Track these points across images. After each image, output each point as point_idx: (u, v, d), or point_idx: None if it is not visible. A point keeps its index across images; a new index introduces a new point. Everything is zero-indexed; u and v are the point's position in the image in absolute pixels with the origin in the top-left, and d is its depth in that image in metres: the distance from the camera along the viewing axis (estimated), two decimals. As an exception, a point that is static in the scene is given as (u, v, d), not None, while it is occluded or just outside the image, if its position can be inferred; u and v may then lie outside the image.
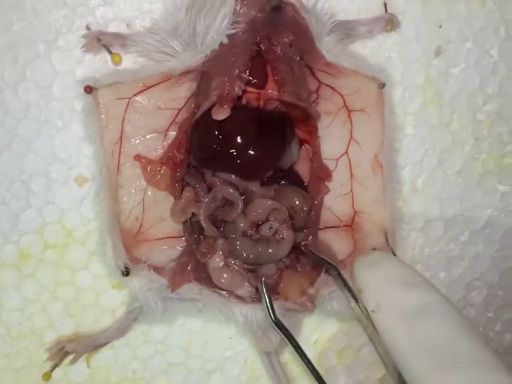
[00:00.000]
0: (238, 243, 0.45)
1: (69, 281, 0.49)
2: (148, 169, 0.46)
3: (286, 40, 0.43)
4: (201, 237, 0.47)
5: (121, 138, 0.45)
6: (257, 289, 0.47)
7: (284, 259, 0.47)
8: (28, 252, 0.48)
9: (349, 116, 0.47)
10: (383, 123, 0.46)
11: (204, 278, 0.47)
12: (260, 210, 0.45)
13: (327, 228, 0.49)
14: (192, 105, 0.45)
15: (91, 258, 0.49)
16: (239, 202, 0.45)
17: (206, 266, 0.47)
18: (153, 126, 0.45)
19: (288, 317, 0.47)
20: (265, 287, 0.45)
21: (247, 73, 0.43)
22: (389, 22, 0.47)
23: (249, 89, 0.45)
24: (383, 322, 0.39)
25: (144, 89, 0.44)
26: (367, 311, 0.41)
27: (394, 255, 0.47)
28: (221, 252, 0.46)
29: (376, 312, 0.40)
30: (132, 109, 0.44)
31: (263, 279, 0.46)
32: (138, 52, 0.44)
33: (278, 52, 0.43)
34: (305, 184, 0.49)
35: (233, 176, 0.46)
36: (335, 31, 0.44)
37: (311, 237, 0.48)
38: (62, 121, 0.47)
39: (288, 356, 0.52)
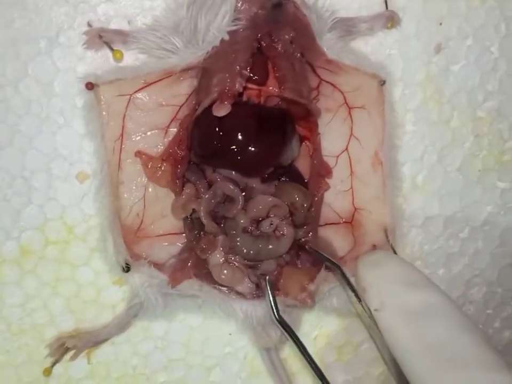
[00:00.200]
0: (238, 239, 0.45)
1: (69, 277, 0.49)
2: (149, 166, 0.46)
3: (287, 37, 0.43)
4: (202, 233, 0.47)
5: (122, 135, 0.45)
6: (257, 285, 0.47)
7: (284, 255, 0.47)
8: (29, 248, 0.49)
9: (349, 113, 0.47)
10: (383, 120, 0.46)
11: (204, 274, 0.47)
12: (260, 207, 0.45)
13: (327, 224, 0.50)
14: (193, 102, 0.45)
15: (92, 255, 0.49)
16: (240, 198, 0.45)
17: (206, 263, 0.47)
18: (154, 123, 0.46)
19: (288, 313, 0.48)
20: (269, 285, 0.45)
21: (248, 70, 0.43)
22: (390, 19, 0.47)
23: (250, 85, 0.45)
24: (386, 321, 0.39)
25: (145, 86, 0.44)
26: (370, 310, 0.41)
27: (394, 251, 0.48)
28: (221, 248, 0.46)
29: (380, 311, 0.40)
30: (133, 106, 0.44)
31: (267, 277, 0.46)
32: (139, 48, 0.44)
33: (279, 48, 0.43)
34: (306, 180, 0.49)
35: (233, 172, 0.46)
36: (336, 28, 0.45)
37: (311, 233, 0.48)
38: (64, 117, 0.47)
39: (288, 352, 0.52)
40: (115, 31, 0.45)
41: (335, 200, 0.49)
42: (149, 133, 0.46)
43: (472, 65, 0.50)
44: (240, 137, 0.44)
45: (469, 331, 0.37)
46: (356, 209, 0.49)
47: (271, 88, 0.46)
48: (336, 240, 0.49)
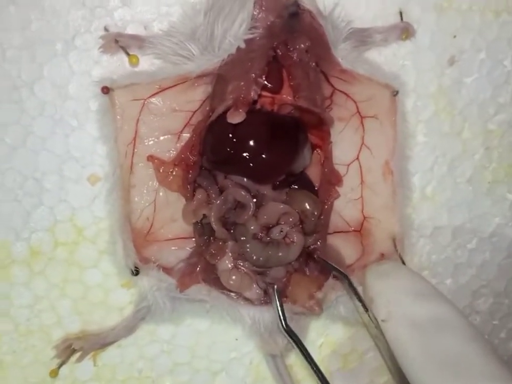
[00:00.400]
0: (248, 245, 0.46)
1: (78, 279, 0.50)
2: (161, 170, 0.46)
3: (302, 46, 0.43)
4: (212, 238, 0.47)
5: (135, 139, 0.45)
6: (265, 291, 0.47)
7: (293, 262, 0.47)
8: (38, 249, 0.49)
9: (362, 122, 0.47)
10: (395, 130, 0.46)
11: (213, 279, 0.47)
12: (271, 214, 0.46)
13: (336, 232, 0.50)
14: (207, 108, 0.45)
15: (101, 257, 0.49)
16: (251, 204, 0.45)
17: (215, 268, 0.47)
18: (167, 128, 0.46)
19: (295, 320, 0.48)
20: (277, 294, 0.46)
21: (263, 78, 0.43)
22: (405, 31, 0.48)
23: (264, 93, 0.45)
24: (393, 332, 0.40)
25: (160, 91, 0.44)
26: (376, 320, 0.41)
27: (403, 261, 0.48)
28: (230, 254, 0.47)
29: (387, 321, 0.40)
30: (146, 110, 0.45)
31: (275, 286, 0.46)
32: (155, 54, 0.45)
33: (295, 57, 0.43)
34: (316, 188, 0.49)
35: (245, 179, 0.46)
36: (350, 38, 0.45)
37: (320, 241, 0.48)
38: (77, 120, 0.47)
39: (293, 359, 0.52)
40: (131, 36, 0.46)
41: (344, 208, 0.49)
42: (161, 138, 0.46)
43: (484, 78, 0.50)
44: (252, 144, 0.44)
45: (475, 342, 0.37)
46: (365, 218, 0.49)
47: (285, 96, 0.46)
48: (345, 249, 0.49)
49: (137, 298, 0.49)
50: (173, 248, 0.48)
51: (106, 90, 0.43)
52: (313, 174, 0.49)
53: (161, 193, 0.47)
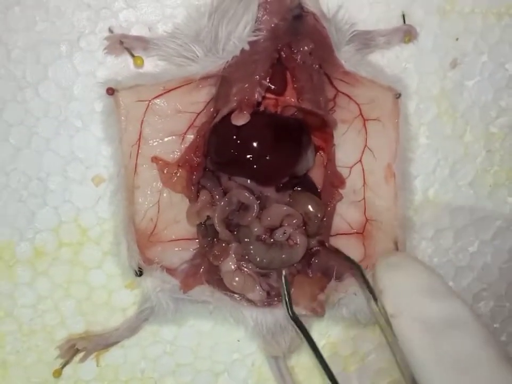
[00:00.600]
0: (251, 247, 0.46)
1: (82, 280, 0.50)
2: (165, 171, 0.46)
3: (306, 48, 0.43)
4: (215, 240, 0.47)
5: (139, 140, 0.45)
6: (268, 293, 0.47)
7: (295, 264, 0.47)
8: (42, 249, 0.49)
9: (364, 125, 0.47)
10: (397, 132, 0.46)
11: (216, 280, 0.47)
12: (274, 216, 0.46)
13: (338, 234, 0.50)
14: (211, 110, 0.45)
15: (105, 258, 0.50)
16: (255, 206, 0.45)
17: (219, 269, 0.47)
18: (172, 129, 0.46)
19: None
20: (285, 281, 0.45)
21: (267, 80, 0.43)
22: (407, 33, 0.48)
23: (268, 95, 0.46)
24: (401, 328, 0.38)
25: (164, 93, 0.44)
26: (386, 313, 0.40)
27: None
28: (233, 255, 0.47)
29: (396, 317, 0.39)
30: (151, 112, 0.45)
31: (283, 272, 0.46)
32: (159, 55, 0.45)
33: (298, 60, 0.44)
34: (319, 190, 0.49)
35: (248, 181, 0.46)
36: (354, 41, 0.45)
37: (322, 243, 0.48)
38: (82, 121, 0.47)
39: (295, 361, 0.53)
40: (136, 37, 0.46)
41: (347, 210, 0.49)
42: (166, 139, 0.46)
43: (486, 81, 0.50)
44: (256, 146, 0.44)
45: (489, 346, 0.36)
46: (367, 220, 0.49)
47: (288, 98, 0.46)
48: (347, 250, 0.49)
49: (140, 299, 0.49)
50: (177, 249, 0.48)
51: (111, 91, 0.43)
52: (316, 176, 0.49)
53: (165, 194, 0.47)
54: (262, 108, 0.46)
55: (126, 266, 0.46)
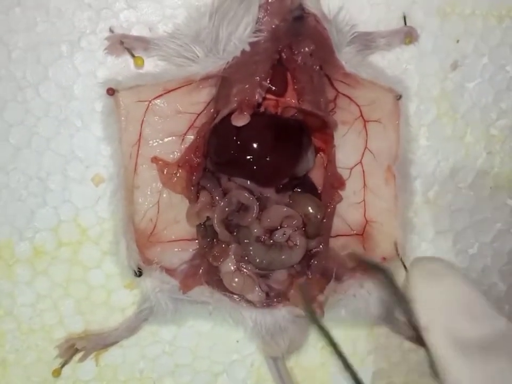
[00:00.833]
0: (251, 248, 0.46)
1: (81, 279, 0.50)
2: (165, 172, 0.46)
3: (307, 49, 0.43)
4: (215, 240, 0.47)
5: (139, 140, 0.45)
6: (267, 294, 0.47)
7: (295, 265, 0.47)
8: (42, 248, 0.49)
9: (365, 126, 0.47)
10: (398, 134, 0.46)
11: (215, 281, 0.47)
12: (274, 217, 0.46)
13: (338, 235, 0.50)
14: (211, 110, 0.46)
15: (104, 257, 0.50)
16: (255, 207, 0.45)
17: (218, 270, 0.47)
18: (172, 130, 0.46)
19: (296, 323, 0.48)
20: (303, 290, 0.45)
21: (268, 81, 0.43)
22: (408, 35, 0.48)
23: (268, 96, 0.46)
24: (435, 344, 0.36)
25: (165, 93, 0.45)
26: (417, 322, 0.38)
27: (404, 265, 0.48)
28: (233, 256, 0.47)
29: (429, 331, 0.36)
30: (151, 112, 0.45)
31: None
32: (160, 56, 0.45)
33: (299, 61, 0.44)
34: (319, 192, 0.49)
35: (248, 181, 0.46)
36: (354, 42, 0.45)
37: (322, 244, 0.48)
38: (82, 121, 0.48)
39: (294, 361, 0.53)
40: (136, 37, 0.46)
41: (347, 211, 0.49)
42: (166, 139, 0.46)
43: (486, 83, 0.50)
44: (256, 147, 0.44)
45: None
46: (367, 221, 0.49)
47: (289, 99, 0.46)
48: (346, 252, 0.49)
49: (140, 299, 0.49)
50: (176, 249, 0.48)
51: (111, 92, 0.43)
52: (316, 177, 0.49)
53: (164, 195, 0.47)
54: (262, 109, 0.46)
55: (125, 266, 0.46)
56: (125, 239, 0.45)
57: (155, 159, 0.46)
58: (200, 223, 0.47)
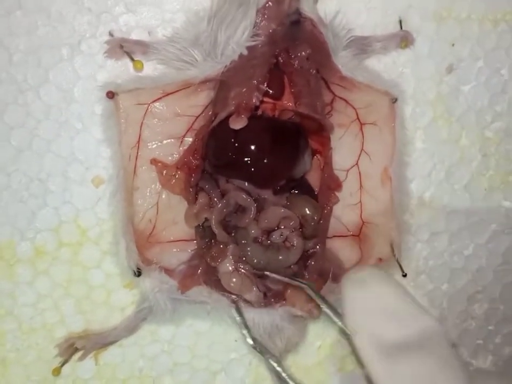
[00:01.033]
0: (249, 249, 0.46)
1: (81, 279, 0.50)
2: (163, 173, 0.47)
3: (303, 53, 0.44)
4: (213, 241, 0.48)
5: (138, 142, 0.46)
6: (265, 294, 0.48)
7: (292, 266, 0.48)
8: (43, 249, 0.50)
9: (361, 129, 0.48)
10: (393, 137, 0.47)
11: (214, 281, 0.48)
12: (271, 218, 0.46)
13: (334, 236, 0.50)
14: (209, 113, 0.46)
15: (104, 258, 0.50)
16: (252, 208, 0.46)
17: (216, 270, 0.48)
18: (170, 132, 0.47)
19: (293, 322, 0.49)
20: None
21: (265, 85, 0.44)
22: (404, 39, 0.48)
23: (265, 99, 0.46)
24: (360, 348, 0.39)
25: (163, 96, 0.45)
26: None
27: (400, 266, 0.48)
28: (231, 257, 0.47)
29: (354, 335, 0.39)
30: (150, 115, 0.46)
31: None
32: (159, 59, 0.45)
33: (296, 65, 0.44)
34: (316, 193, 0.50)
35: (246, 183, 0.47)
36: (351, 46, 0.46)
37: (319, 245, 0.49)
38: (82, 123, 0.48)
39: (291, 360, 0.53)
40: (136, 41, 0.46)
41: (343, 213, 0.50)
42: (164, 142, 0.47)
43: (482, 86, 0.51)
44: (254, 149, 0.45)
45: (446, 367, 0.36)
46: (363, 222, 0.50)
47: (286, 102, 0.47)
48: (343, 253, 0.50)
49: (139, 299, 0.49)
50: (175, 250, 0.49)
51: (111, 95, 0.43)
52: (313, 179, 0.50)
53: (163, 196, 0.48)
54: (260, 112, 0.47)
55: (124, 266, 0.46)
56: (124, 239, 0.46)
57: (154, 161, 0.47)
58: (199, 224, 0.48)
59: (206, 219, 0.47)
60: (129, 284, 0.50)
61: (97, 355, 0.51)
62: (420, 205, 0.52)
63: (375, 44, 0.48)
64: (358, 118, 0.48)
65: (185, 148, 0.47)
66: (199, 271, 0.48)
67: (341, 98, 0.47)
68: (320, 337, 0.53)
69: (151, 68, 0.47)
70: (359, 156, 0.49)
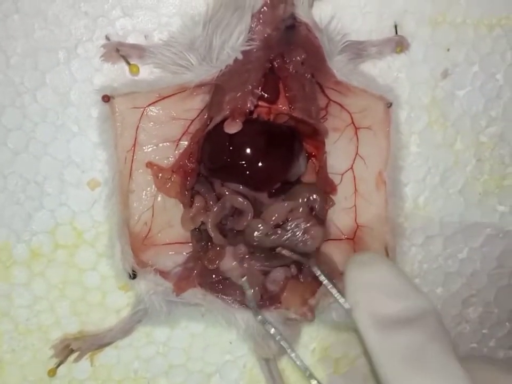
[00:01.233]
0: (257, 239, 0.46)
1: (77, 281, 0.51)
2: (159, 177, 0.47)
3: (298, 58, 0.44)
4: (209, 244, 0.48)
5: (134, 145, 0.46)
6: (261, 296, 0.48)
7: (292, 268, 0.48)
8: (39, 251, 0.50)
9: (356, 133, 0.48)
10: (388, 141, 0.47)
11: (209, 283, 0.48)
12: (277, 214, 0.46)
13: (329, 240, 0.50)
14: (205, 117, 0.46)
15: (100, 260, 0.50)
16: (250, 211, 0.46)
17: (218, 271, 0.48)
18: (166, 135, 0.47)
19: (288, 325, 0.49)
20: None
21: (260, 89, 0.44)
22: (399, 44, 0.49)
23: (260, 103, 0.46)
24: (357, 322, 0.40)
25: (159, 100, 0.45)
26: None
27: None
28: (231, 257, 0.48)
29: (352, 310, 0.41)
30: (146, 118, 0.46)
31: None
32: (155, 63, 0.46)
33: (291, 69, 0.44)
34: (311, 196, 0.50)
35: (241, 186, 0.47)
36: (346, 51, 0.46)
37: (314, 248, 0.49)
38: (78, 126, 0.48)
39: (286, 363, 0.53)
40: (132, 45, 0.47)
41: (338, 216, 0.50)
42: (160, 145, 0.47)
43: (477, 91, 0.51)
44: (249, 152, 0.45)
45: (437, 341, 0.38)
46: (358, 226, 0.50)
47: (281, 106, 0.47)
48: (338, 256, 0.50)
49: (134, 301, 0.50)
50: (170, 252, 0.49)
51: (107, 99, 0.44)
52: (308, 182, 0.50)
53: (159, 199, 0.48)
54: (255, 115, 0.47)
55: (120, 269, 0.47)
56: (119, 242, 0.46)
57: (150, 164, 0.47)
58: (195, 228, 0.48)
59: (202, 222, 0.47)
60: (124, 286, 0.51)
61: (93, 356, 0.52)
62: (414, 208, 0.52)
63: (370, 49, 0.48)
64: (353, 122, 0.48)
65: (181, 151, 0.47)
66: (194, 273, 0.48)
67: (335, 102, 0.47)
68: (314, 340, 0.54)
69: (147, 72, 0.47)
70: (354, 160, 0.49)
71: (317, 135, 0.47)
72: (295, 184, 0.49)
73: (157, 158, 0.47)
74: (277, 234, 0.46)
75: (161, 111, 0.46)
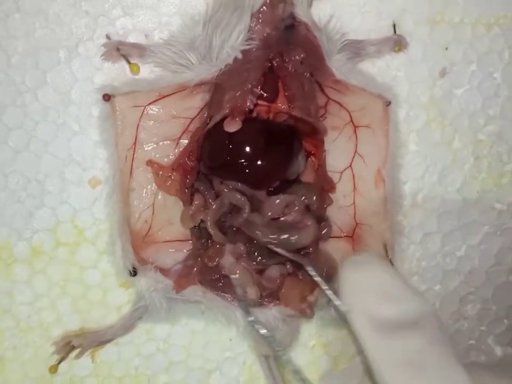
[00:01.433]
0: (258, 232, 0.46)
1: (78, 278, 0.51)
2: (159, 175, 0.47)
3: (297, 57, 0.44)
4: (209, 241, 0.48)
5: (135, 144, 0.46)
6: (260, 294, 0.48)
7: (288, 266, 0.48)
8: (40, 248, 0.50)
9: (355, 131, 0.48)
10: (387, 139, 0.47)
11: (209, 281, 0.48)
12: (274, 207, 0.46)
13: (328, 237, 0.51)
14: (205, 115, 0.47)
15: (100, 257, 0.51)
16: (246, 206, 0.46)
17: (219, 267, 0.48)
18: (166, 134, 0.47)
19: (287, 322, 0.49)
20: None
21: (259, 88, 0.44)
22: (398, 43, 0.49)
23: (260, 102, 0.47)
24: (354, 324, 0.40)
25: (160, 98, 0.46)
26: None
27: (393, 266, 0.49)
28: (230, 255, 0.48)
29: (349, 312, 0.40)
30: (146, 117, 0.46)
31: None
32: (155, 62, 0.46)
33: (290, 68, 0.45)
34: (310, 194, 0.50)
35: (240, 184, 0.47)
36: (345, 50, 0.46)
37: (312, 246, 0.49)
38: (79, 125, 0.49)
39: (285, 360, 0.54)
40: (132, 44, 0.47)
41: (337, 214, 0.50)
42: (160, 143, 0.47)
43: (475, 89, 0.51)
44: (248, 151, 0.45)
45: (436, 345, 0.38)
46: (357, 224, 0.50)
47: (280, 105, 0.48)
48: (337, 254, 0.50)
49: (134, 298, 0.50)
50: (170, 250, 0.49)
51: (107, 97, 0.44)
52: (307, 180, 0.50)
53: (159, 197, 0.48)
54: (254, 114, 0.47)
55: (120, 266, 0.47)
56: (120, 239, 0.46)
57: (150, 162, 0.47)
58: (195, 225, 0.48)
59: (202, 220, 0.47)
60: (125, 283, 0.51)
61: (94, 353, 0.52)
62: (412, 206, 0.53)
63: (369, 48, 0.48)
64: (351, 121, 0.48)
65: (181, 149, 0.47)
66: (194, 271, 0.48)
67: (334, 101, 0.48)
68: (313, 337, 0.54)
69: (147, 71, 0.47)
70: (353, 158, 0.49)
71: (316, 134, 0.47)
72: (294, 183, 0.49)
73: (157, 156, 0.47)
74: (274, 234, 0.46)
75: (161, 110, 0.46)
